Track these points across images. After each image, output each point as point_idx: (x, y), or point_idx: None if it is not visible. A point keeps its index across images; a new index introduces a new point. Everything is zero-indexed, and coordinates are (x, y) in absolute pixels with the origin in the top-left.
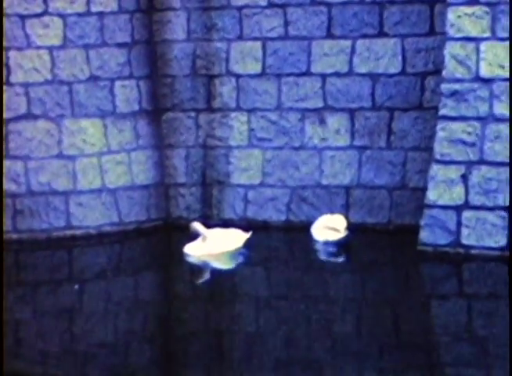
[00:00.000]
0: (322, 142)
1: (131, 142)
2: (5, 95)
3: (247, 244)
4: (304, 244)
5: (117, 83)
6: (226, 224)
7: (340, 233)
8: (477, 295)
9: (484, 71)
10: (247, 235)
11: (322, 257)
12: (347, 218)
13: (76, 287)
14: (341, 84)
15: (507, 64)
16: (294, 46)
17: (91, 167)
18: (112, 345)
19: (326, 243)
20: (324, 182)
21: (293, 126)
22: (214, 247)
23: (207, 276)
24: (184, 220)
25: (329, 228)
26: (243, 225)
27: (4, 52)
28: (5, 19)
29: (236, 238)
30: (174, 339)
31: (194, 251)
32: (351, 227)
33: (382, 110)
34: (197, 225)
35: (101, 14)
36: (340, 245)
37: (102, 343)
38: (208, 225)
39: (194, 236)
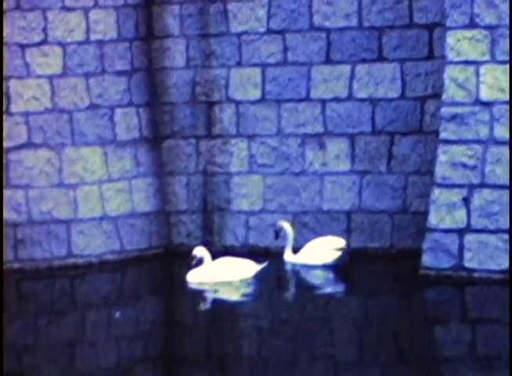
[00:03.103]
0: (323, 167)
1: (132, 169)
2: (5, 125)
3: (259, 275)
4: (306, 270)
5: (117, 111)
6: (228, 251)
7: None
8: (480, 319)
9: (484, 94)
10: (259, 266)
11: (322, 282)
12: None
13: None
14: (341, 109)
15: (507, 87)
16: (294, 72)
17: (91, 195)
18: (114, 373)
19: (326, 266)
20: (325, 207)
21: (294, 152)
22: (218, 275)
23: (207, 304)
24: (185, 247)
25: (330, 249)
26: (245, 251)
27: (4, 82)
28: (5, 49)
29: (245, 268)
30: (175, 367)
31: (196, 278)
32: (351, 251)
33: (382, 134)
34: (201, 251)
35: (100, 42)
36: (339, 269)
37: (104, 371)
38: (211, 252)
39: (198, 261)
